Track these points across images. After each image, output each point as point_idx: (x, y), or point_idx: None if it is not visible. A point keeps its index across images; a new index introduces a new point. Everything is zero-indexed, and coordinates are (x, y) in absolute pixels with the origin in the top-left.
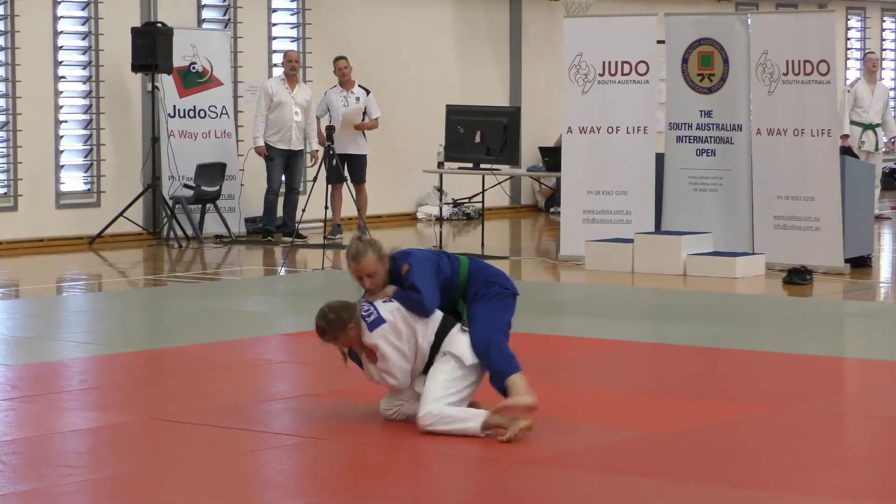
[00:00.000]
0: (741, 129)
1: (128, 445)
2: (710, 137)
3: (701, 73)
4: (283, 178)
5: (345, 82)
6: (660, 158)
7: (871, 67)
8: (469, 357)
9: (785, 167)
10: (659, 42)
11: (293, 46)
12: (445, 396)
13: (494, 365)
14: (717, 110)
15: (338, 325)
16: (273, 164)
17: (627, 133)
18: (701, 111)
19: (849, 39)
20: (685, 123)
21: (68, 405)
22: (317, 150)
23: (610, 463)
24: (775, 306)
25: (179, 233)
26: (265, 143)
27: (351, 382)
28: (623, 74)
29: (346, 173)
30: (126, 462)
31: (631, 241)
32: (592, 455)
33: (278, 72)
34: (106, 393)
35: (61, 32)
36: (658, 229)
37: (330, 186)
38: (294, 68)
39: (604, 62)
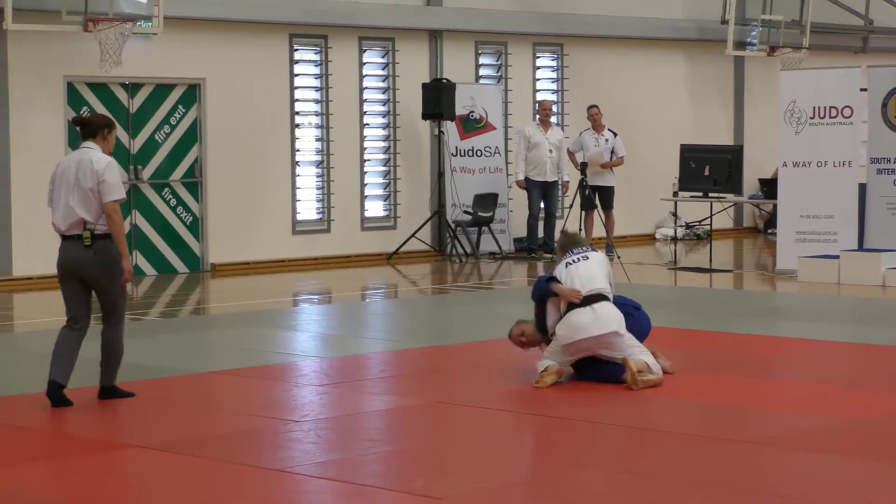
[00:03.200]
0: None
1: (418, 424)
2: None
3: None
4: (543, 205)
5: (596, 126)
6: (862, 188)
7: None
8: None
9: None
10: (862, 90)
11: (554, 98)
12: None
13: None
14: None
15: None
16: (532, 193)
17: (834, 167)
18: None
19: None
20: (884, 158)
21: (370, 390)
22: (567, 182)
23: (815, 443)
24: None
25: (460, 250)
26: (525, 177)
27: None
28: (831, 117)
29: (597, 201)
30: (416, 437)
31: (837, 257)
32: (799, 436)
33: None
34: (400, 381)
35: (366, 88)
36: (861, 247)
37: (583, 212)
38: (547, 115)
39: (814, 107)
